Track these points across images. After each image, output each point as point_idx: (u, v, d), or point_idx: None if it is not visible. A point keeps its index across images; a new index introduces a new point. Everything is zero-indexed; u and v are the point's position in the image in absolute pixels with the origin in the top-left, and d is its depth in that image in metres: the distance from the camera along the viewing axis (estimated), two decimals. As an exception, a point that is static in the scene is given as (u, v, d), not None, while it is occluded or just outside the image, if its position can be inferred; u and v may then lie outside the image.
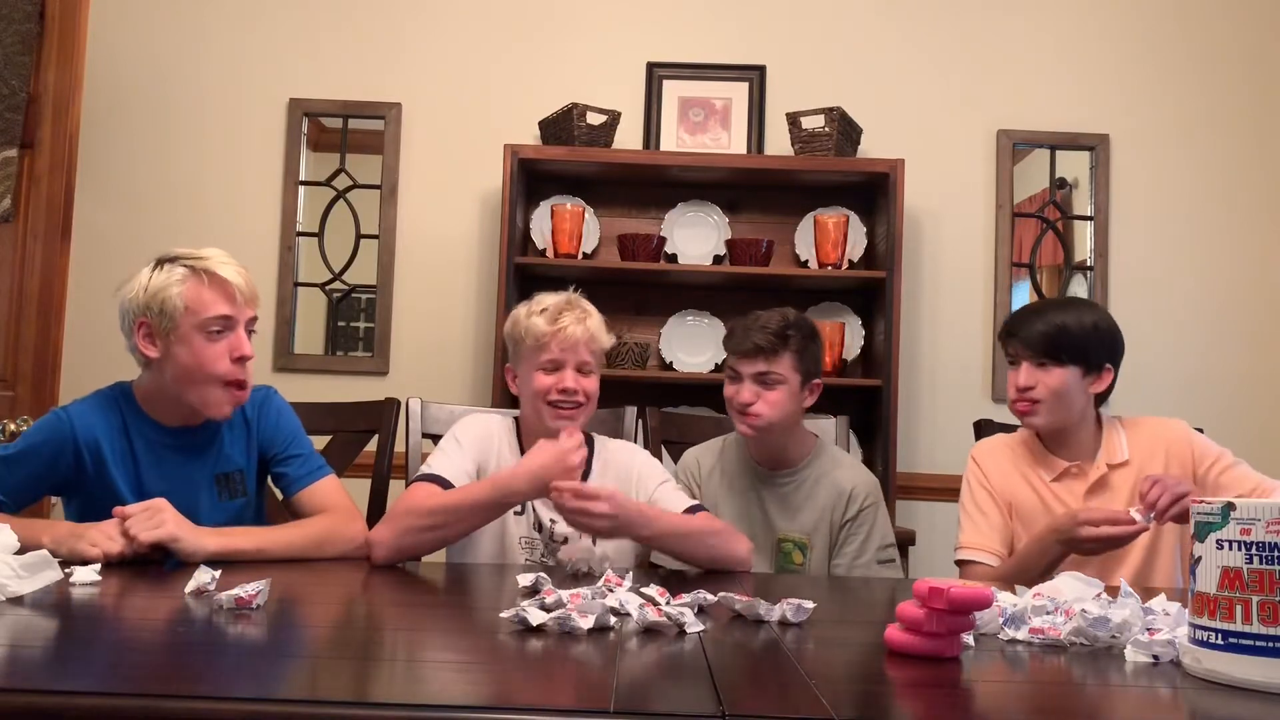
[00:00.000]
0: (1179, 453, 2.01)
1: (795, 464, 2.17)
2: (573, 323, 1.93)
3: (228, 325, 1.75)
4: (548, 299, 1.99)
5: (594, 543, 1.97)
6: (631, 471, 2.00)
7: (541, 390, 1.94)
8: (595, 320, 1.98)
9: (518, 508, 1.95)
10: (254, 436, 1.90)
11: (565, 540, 1.95)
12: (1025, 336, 2.00)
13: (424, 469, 1.93)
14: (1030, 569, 1.86)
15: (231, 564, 1.58)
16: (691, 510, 1.92)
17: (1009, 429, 2.41)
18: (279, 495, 1.97)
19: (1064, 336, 1.98)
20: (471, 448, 1.96)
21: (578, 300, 2.00)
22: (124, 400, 1.83)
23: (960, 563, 2.05)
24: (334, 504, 1.87)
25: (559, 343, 1.92)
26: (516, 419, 2.08)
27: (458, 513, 1.80)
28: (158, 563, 1.64)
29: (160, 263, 1.78)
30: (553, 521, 1.96)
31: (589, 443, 2.00)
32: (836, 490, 2.12)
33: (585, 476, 2.02)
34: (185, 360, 1.73)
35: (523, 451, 2.00)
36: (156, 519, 1.62)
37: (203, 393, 1.75)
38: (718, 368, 3.23)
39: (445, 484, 1.87)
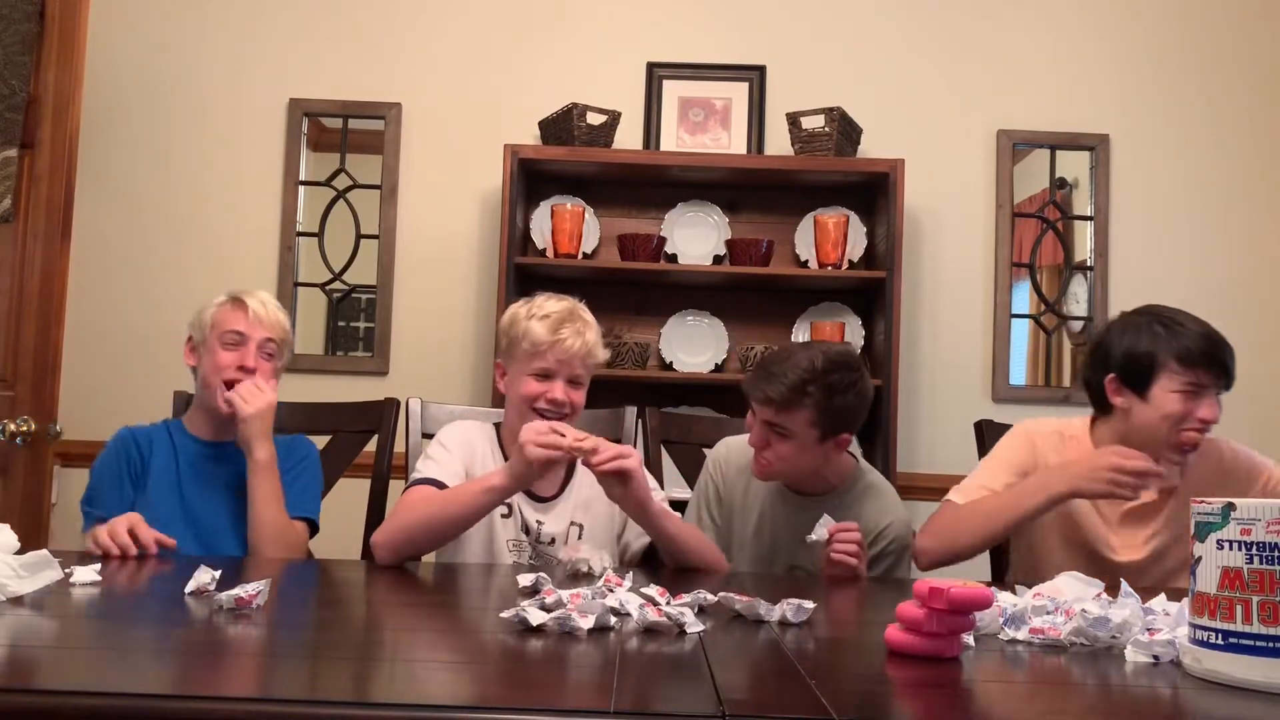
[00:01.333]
0: (1232, 476, 1.98)
1: (825, 491, 2.08)
2: (572, 335, 1.92)
3: (240, 340, 2.03)
4: (550, 305, 1.97)
5: (579, 536, 1.97)
6: None
7: (530, 396, 1.93)
8: (593, 334, 1.97)
9: (504, 510, 1.95)
10: (280, 462, 2.03)
11: (552, 541, 1.96)
12: (1228, 364, 1.95)
13: (416, 474, 1.93)
14: (1010, 504, 1.87)
15: (231, 564, 1.58)
16: None
17: (1006, 429, 2.40)
18: None
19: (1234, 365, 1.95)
20: (458, 450, 1.97)
21: (579, 311, 1.98)
22: (172, 424, 2.14)
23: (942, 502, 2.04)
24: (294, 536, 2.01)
25: (555, 354, 1.92)
26: (497, 425, 2.08)
27: (452, 507, 1.81)
28: (158, 558, 1.64)
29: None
30: (539, 523, 1.96)
31: None
32: (863, 527, 1.97)
33: (568, 481, 2.02)
34: (205, 365, 2.05)
35: (504, 454, 2.01)
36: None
37: (214, 393, 2.02)
38: (718, 368, 3.23)
39: (440, 486, 1.88)
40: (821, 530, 1.86)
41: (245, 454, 1.98)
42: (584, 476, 1.98)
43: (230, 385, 2.00)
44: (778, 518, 2.09)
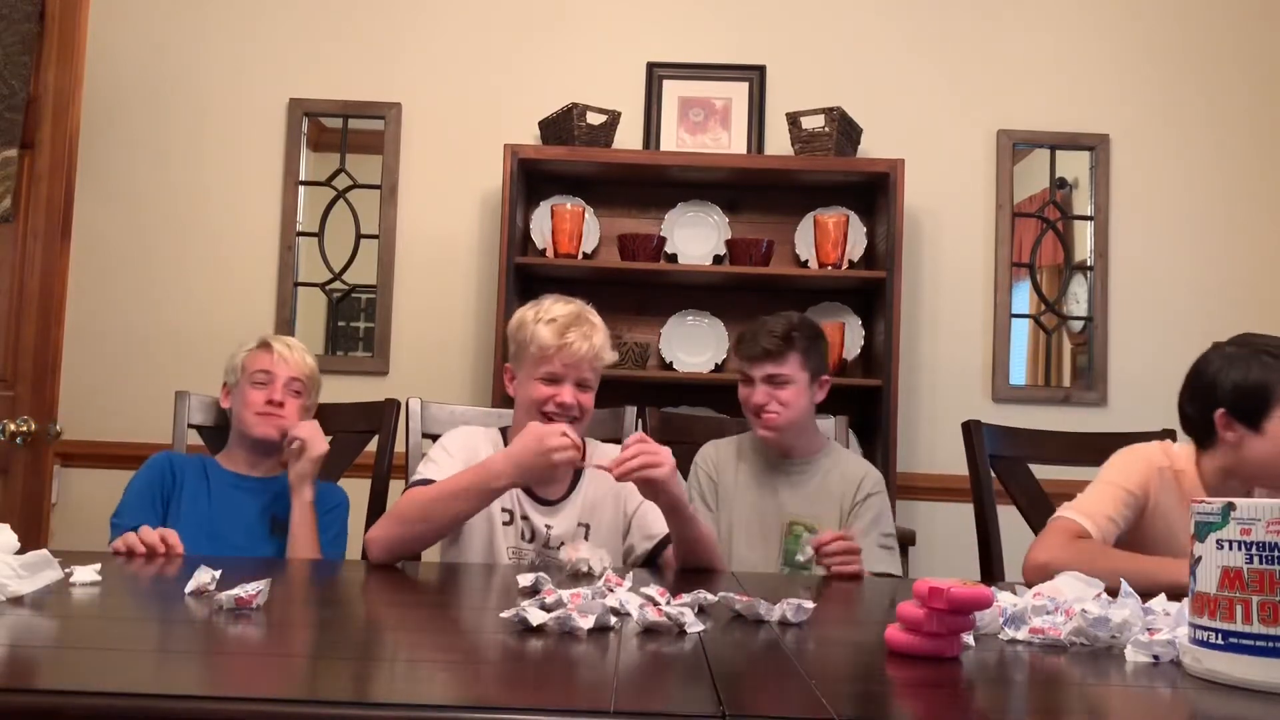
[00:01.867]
0: None
1: (809, 455, 2.30)
2: (579, 339, 1.91)
3: (268, 379, 2.17)
4: (557, 308, 1.96)
5: (586, 536, 1.96)
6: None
7: (539, 400, 1.92)
8: (601, 337, 1.96)
9: (505, 517, 1.93)
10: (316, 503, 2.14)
11: (561, 545, 1.94)
12: None
13: (415, 476, 1.93)
14: (1144, 575, 1.72)
15: (231, 564, 1.58)
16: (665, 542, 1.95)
17: (1001, 430, 2.40)
18: None
19: None
20: (460, 454, 1.94)
21: (587, 314, 1.97)
22: (207, 459, 2.23)
23: (1059, 516, 1.94)
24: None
25: (563, 358, 1.91)
26: (503, 430, 2.07)
27: (444, 501, 1.79)
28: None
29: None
30: (549, 527, 1.95)
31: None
32: (846, 479, 2.26)
33: (574, 483, 2.01)
34: (237, 403, 2.19)
35: None
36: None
37: (246, 424, 2.16)
38: (718, 367, 3.23)
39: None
40: (807, 549, 1.98)
41: (294, 491, 2.08)
42: (591, 478, 1.98)
43: (261, 414, 2.15)
44: (776, 481, 2.29)
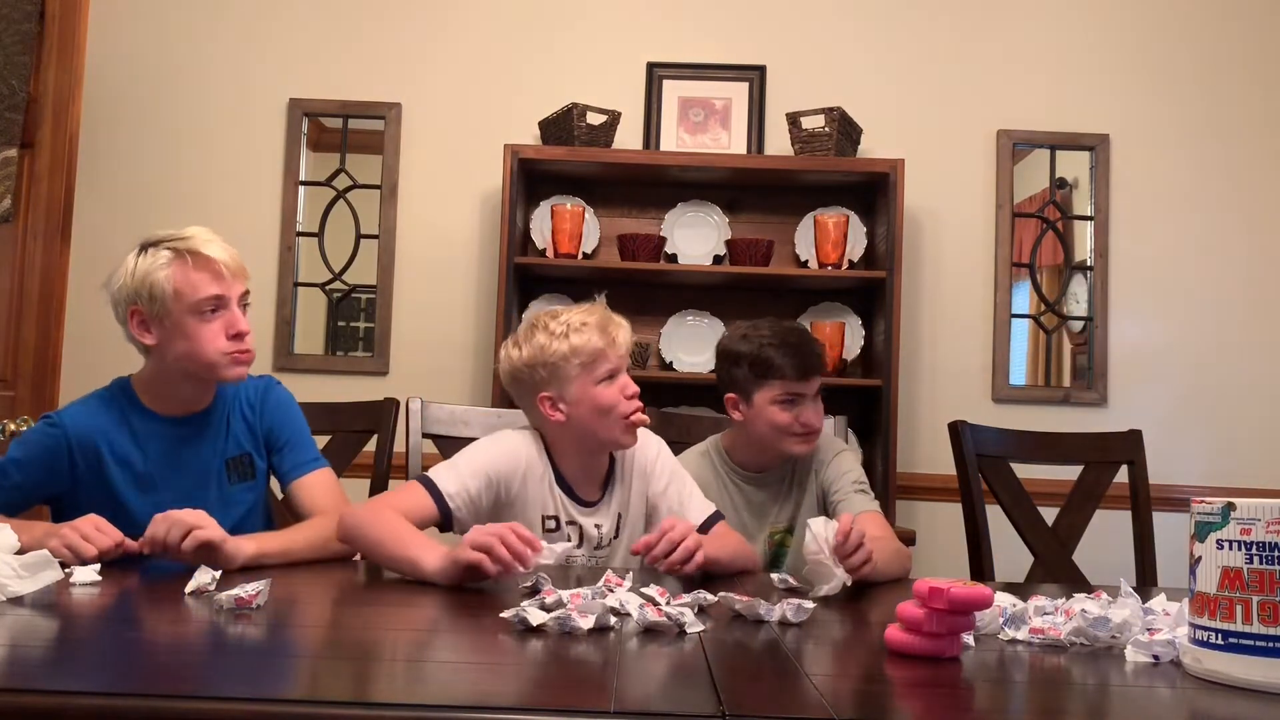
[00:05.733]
0: None
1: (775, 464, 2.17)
2: (619, 330, 1.89)
3: (220, 304, 1.75)
4: (578, 317, 1.89)
5: (618, 526, 1.93)
6: (646, 464, 1.97)
7: (610, 403, 1.85)
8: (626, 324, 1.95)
9: (550, 524, 1.88)
10: (258, 423, 1.90)
11: (609, 543, 1.93)
12: None
13: (431, 471, 1.88)
14: None
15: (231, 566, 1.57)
16: (711, 520, 1.91)
17: (998, 431, 2.40)
18: (276, 483, 1.95)
19: None
20: (489, 465, 1.85)
21: (603, 308, 1.94)
22: (123, 396, 1.82)
23: None
24: (326, 502, 1.85)
25: (615, 351, 1.87)
26: (542, 436, 1.96)
27: (385, 549, 1.67)
28: (140, 559, 1.62)
29: (144, 248, 1.80)
30: (598, 526, 1.92)
31: None
32: (806, 460, 2.14)
33: (608, 481, 1.97)
34: (182, 345, 1.74)
35: (555, 470, 1.90)
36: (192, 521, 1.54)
37: (208, 370, 1.76)
38: (718, 368, 3.23)
39: (438, 494, 1.82)
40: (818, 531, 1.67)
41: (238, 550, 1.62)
42: (621, 476, 1.96)
43: (233, 354, 1.75)
44: (749, 499, 2.16)
